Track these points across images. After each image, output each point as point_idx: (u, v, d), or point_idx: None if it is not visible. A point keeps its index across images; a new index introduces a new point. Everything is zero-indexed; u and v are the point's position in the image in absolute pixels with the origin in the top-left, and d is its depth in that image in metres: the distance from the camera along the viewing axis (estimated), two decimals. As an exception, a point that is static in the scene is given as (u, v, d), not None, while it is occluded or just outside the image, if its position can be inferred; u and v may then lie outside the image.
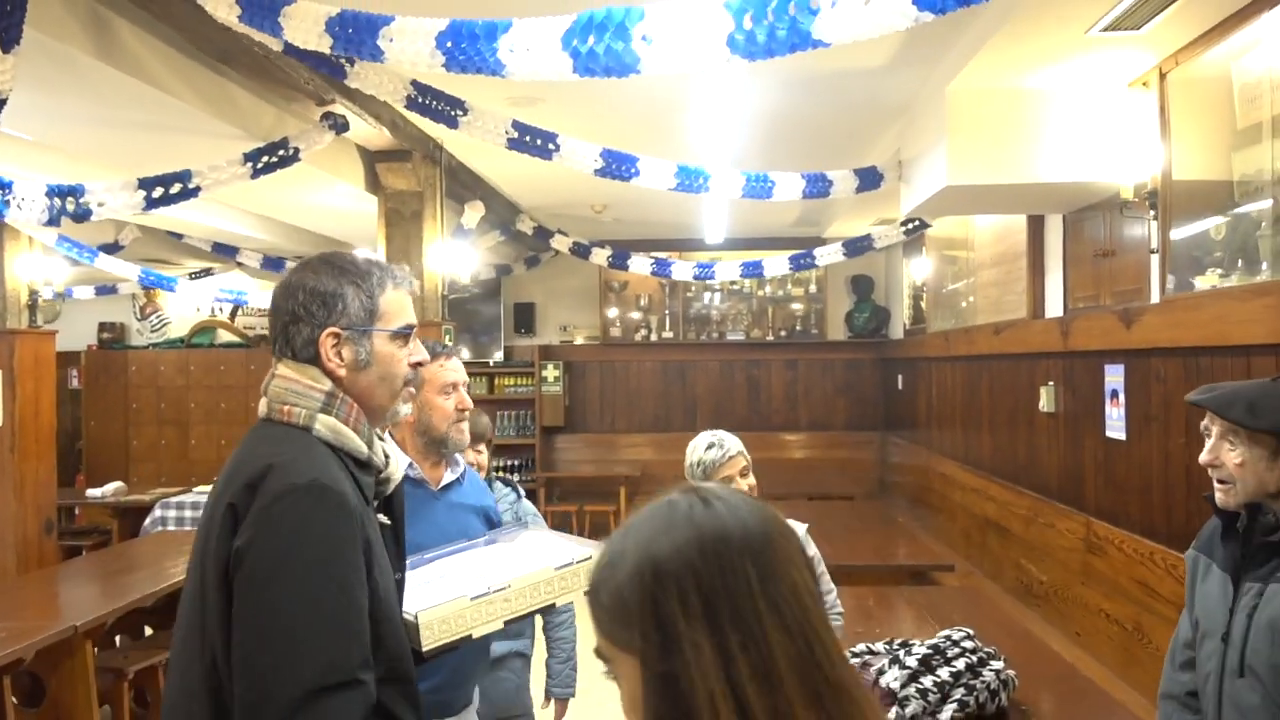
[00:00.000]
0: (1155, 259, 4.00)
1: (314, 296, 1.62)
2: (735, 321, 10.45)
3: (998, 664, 2.88)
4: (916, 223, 6.27)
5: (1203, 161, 3.76)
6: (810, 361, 10.41)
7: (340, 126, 4.51)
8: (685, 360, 10.48)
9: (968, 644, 2.91)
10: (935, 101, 4.40)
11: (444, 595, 1.78)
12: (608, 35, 1.86)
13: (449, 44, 2.16)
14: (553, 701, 3.33)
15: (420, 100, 3.52)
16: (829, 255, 6.69)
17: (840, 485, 9.25)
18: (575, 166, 4.00)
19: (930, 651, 2.87)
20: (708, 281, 10.02)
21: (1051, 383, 5.22)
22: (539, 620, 3.25)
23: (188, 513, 7.53)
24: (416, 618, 1.71)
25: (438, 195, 5.76)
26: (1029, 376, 5.56)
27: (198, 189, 4.12)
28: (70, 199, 3.84)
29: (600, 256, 7.69)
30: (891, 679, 2.80)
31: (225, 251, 8.13)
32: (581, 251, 7.79)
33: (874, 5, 1.54)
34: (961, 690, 2.76)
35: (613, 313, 10.46)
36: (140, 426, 10.46)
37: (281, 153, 4.33)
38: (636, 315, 10.45)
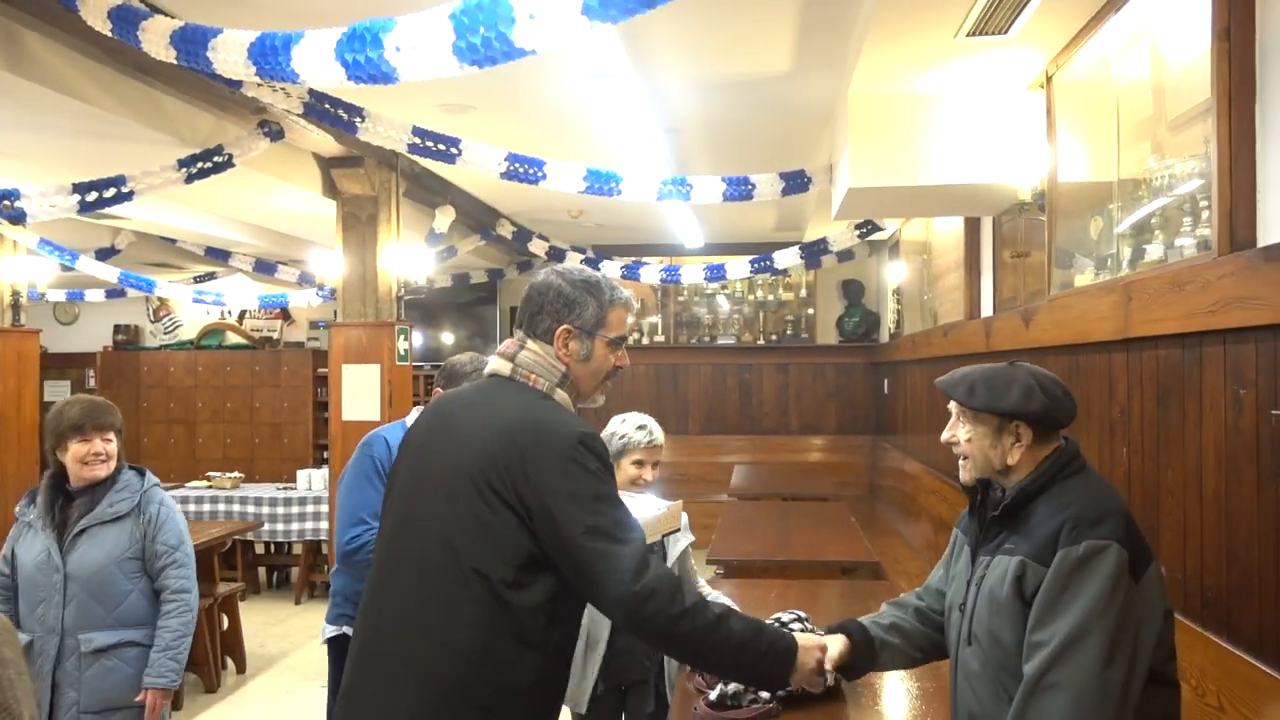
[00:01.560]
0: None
1: (561, 297, 2.01)
2: (727, 326, 10.56)
3: None
4: (868, 226, 6.36)
5: (1088, 163, 3.82)
6: (801, 365, 10.48)
7: (275, 134, 4.72)
8: (678, 363, 10.60)
9: (795, 625, 3.01)
10: (844, 106, 4.50)
11: None
12: (367, 46, 2.03)
13: (256, 54, 2.34)
14: (148, 692, 3.03)
15: (318, 107, 3.71)
16: (787, 259, 6.79)
17: (830, 489, 9.27)
18: (480, 170, 4.17)
19: None
20: (699, 286, 10.18)
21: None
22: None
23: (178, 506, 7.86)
24: None
25: (393, 199, 5.97)
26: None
27: (132, 193, 4.36)
28: (5, 202, 4.09)
29: (574, 260, 7.85)
30: None
31: (218, 255, 8.43)
32: (556, 255, 7.96)
33: (553, 18, 1.68)
34: None
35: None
36: (151, 425, 10.85)
37: (216, 159, 4.55)
38: (629, 319, 10.60)
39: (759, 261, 6.93)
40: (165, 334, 11.45)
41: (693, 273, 7.35)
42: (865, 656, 2.30)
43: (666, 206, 7.91)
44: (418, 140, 3.96)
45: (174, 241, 8.24)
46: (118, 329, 11.37)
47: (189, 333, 11.36)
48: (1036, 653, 1.90)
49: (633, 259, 8.21)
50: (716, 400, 10.60)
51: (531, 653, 1.82)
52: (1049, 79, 3.95)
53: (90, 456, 2.99)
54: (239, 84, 3.54)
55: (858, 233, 6.38)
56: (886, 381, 9.39)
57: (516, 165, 4.20)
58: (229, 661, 5.95)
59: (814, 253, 6.68)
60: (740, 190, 4.82)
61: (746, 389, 10.59)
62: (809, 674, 2.05)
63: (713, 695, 2.84)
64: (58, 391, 11.90)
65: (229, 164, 4.57)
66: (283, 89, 3.64)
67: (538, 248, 8.08)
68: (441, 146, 4.02)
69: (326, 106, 3.73)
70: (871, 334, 10.14)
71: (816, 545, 5.58)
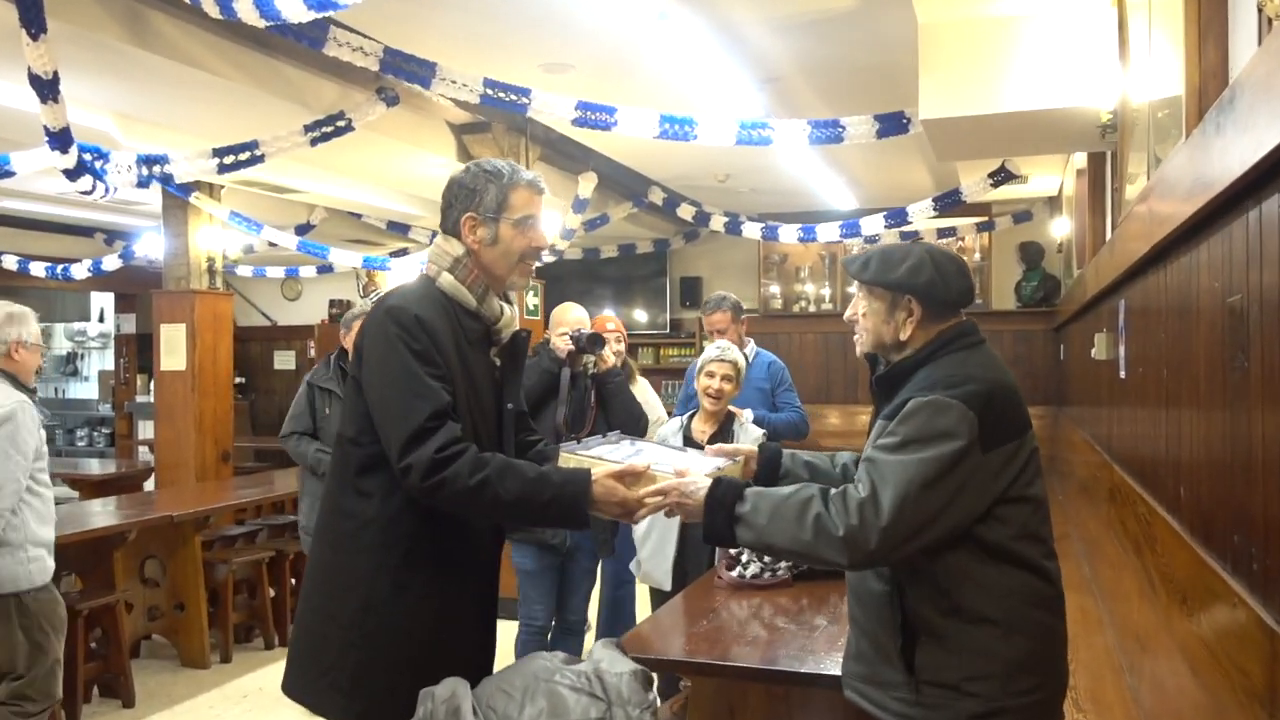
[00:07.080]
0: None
1: (463, 188, 2.14)
2: (897, 293, 10.30)
3: None
4: (1002, 174, 6.11)
5: (1149, 81, 3.57)
6: (977, 333, 10.05)
7: (391, 99, 5.15)
8: (846, 331, 10.34)
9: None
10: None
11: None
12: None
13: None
14: None
15: (393, 63, 4.06)
16: (921, 211, 6.62)
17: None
18: (551, 119, 4.40)
19: None
20: (849, 246, 9.99)
21: (1104, 329, 4.99)
22: None
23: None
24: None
25: (522, 163, 6.31)
26: (1094, 325, 5.32)
27: (263, 156, 4.91)
28: (156, 166, 4.72)
29: (718, 223, 7.98)
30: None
31: (398, 229, 9.14)
32: (702, 220, 8.10)
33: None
34: None
35: (775, 288, 10.65)
36: (358, 390, 11.87)
37: (338, 124, 5.03)
38: (796, 287, 10.59)
39: (892, 217, 6.79)
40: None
41: (829, 230, 7.29)
42: (766, 476, 2.31)
43: (813, 170, 7.87)
44: (489, 91, 4.25)
45: (360, 217, 9.02)
46: (333, 303, 12.51)
47: (393, 306, 12.32)
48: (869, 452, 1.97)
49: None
50: (888, 369, 10.37)
51: (364, 500, 2.05)
52: (1120, -10, 3.72)
53: None
54: (321, 44, 3.94)
55: (990, 181, 6.13)
56: (1062, 348, 8.90)
57: (587, 113, 4.40)
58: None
59: (947, 203, 6.47)
60: (828, 133, 4.79)
61: (919, 358, 10.28)
62: (614, 510, 2.08)
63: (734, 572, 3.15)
64: (285, 360, 13.26)
65: (349, 128, 5.04)
66: (360, 48, 4.01)
67: (685, 213, 8.24)
68: (513, 97, 4.28)
69: (400, 63, 4.07)
70: (1052, 299, 9.60)
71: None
